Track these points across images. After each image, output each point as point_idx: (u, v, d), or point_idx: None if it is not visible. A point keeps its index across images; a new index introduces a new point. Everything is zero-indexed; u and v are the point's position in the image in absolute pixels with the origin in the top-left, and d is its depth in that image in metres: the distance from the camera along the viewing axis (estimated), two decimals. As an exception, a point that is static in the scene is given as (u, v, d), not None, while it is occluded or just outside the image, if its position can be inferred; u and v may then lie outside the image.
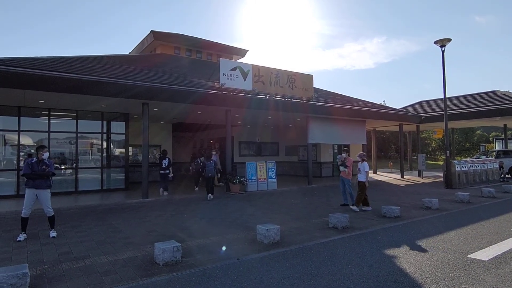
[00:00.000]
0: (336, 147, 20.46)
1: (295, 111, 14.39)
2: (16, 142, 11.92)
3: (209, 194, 11.25)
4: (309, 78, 15.10)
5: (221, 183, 14.57)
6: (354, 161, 10.29)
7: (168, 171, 12.19)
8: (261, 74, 13.48)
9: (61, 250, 5.60)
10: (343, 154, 10.10)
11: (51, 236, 6.42)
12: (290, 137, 21.18)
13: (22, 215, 6.33)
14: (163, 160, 12.22)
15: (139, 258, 5.15)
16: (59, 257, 5.24)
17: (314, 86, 15.27)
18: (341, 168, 9.85)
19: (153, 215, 8.62)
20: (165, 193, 12.16)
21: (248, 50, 22.08)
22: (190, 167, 13.91)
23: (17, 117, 11.67)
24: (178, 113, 14.42)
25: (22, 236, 6.25)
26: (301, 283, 4.13)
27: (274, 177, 13.96)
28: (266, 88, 13.52)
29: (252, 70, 13.20)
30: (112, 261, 5.03)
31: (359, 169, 9.32)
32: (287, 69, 14.44)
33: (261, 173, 13.58)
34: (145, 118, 11.32)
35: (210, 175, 11.44)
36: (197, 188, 13.63)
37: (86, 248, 5.69)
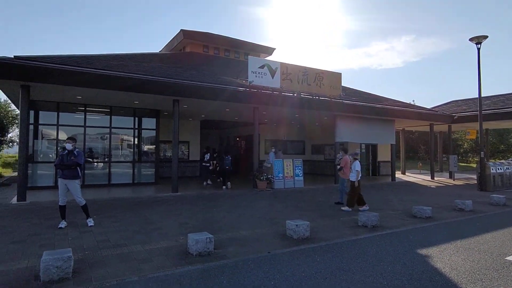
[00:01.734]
0: (363, 146, 20.13)
1: (323, 109, 14.29)
2: (52, 137, 12.61)
3: (227, 183, 12.99)
4: (337, 76, 14.94)
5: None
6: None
7: (209, 164, 14.15)
8: (289, 72, 13.49)
9: (99, 238, 5.88)
10: (339, 153, 10.02)
11: (89, 225, 6.72)
12: (317, 135, 21.04)
13: (59, 203, 6.69)
14: (206, 155, 14.28)
15: (173, 248, 5.33)
16: (98, 244, 5.51)
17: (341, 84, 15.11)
18: (338, 167, 9.83)
19: (184, 208, 8.86)
20: (209, 182, 14.09)
21: (275, 49, 22.09)
22: (214, 162, 14.44)
23: (56, 112, 12.31)
24: (206, 110, 14.68)
25: (63, 224, 6.61)
26: (333, 278, 4.15)
27: (301, 175, 13.94)
28: (294, 86, 13.51)
29: (280, 67, 13.23)
30: (148, 250, 5.24)
31: (351, 169, 9.17)
32: (315, 67, 14.36)
33: (288, 170, 13.60)
34: (175, 115, 11.62)
35: (227, 167, 13.21)
36: (219, 180, 14.87)
37: (123, 237, 5.95)
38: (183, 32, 18.99)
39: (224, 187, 13.06)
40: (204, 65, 16.23)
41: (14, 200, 9.42)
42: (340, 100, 14.68)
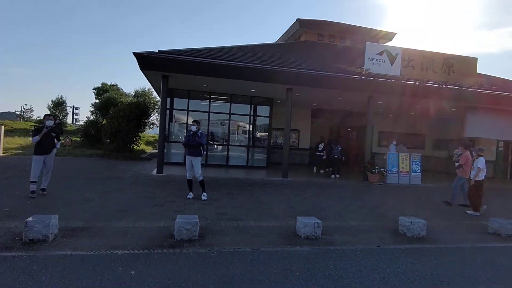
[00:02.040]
0: (501, 144, 17.10)
1: (451, 99, 12.67)
2: (182, 121, 14.53)
3: (336, 174, 13.21)
4: (471, 62, 12.99)
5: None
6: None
7: (322, 154, 14.25)
8: (411, 58, 12.33)
9: (219, 211, 6.63)
10: (458, 149, 8.66)
11: (202, 198, 7.49)
12: (440, 129, 18.75)
13: (187, 178, 7.72)
14: (320, 144, 14.47)
15: (282, 228, 5.65)
16: (217, 216, 6.23)
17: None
18: (456, 164, 8.66)
19: (292, 193, 9.17)
20: (321, 171, 14.34)
21: (396, 33, 20.35)
22: (324, 152, 14.27)
23: (186, 99, 14.11)
24: (318, 98, 14.67)
25: (190, 195, 7.64)
26: (452, 283, 3.80)
27: (418, 171, 12.76)
28: (417, 73, 12.32)
29: (401, 54, 12.21)
30: (260, 227, 5.68)
31: (472, 166, 7.92)
32: (443, 52, 12.76)
33: (404, 165, 12.60)
34: (288, 103, 11.97)
35: (336, 156, 13.32)
36: (328, 169, 14.44)
37: (238, 212, 6.57)
38: (299, 21, 19.16)
39: (332, 176, 13.02)
40: (318, 53, 16.14)
41: (154, 172, 11.29)
42: (474, 89, 12.75)
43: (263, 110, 15.18)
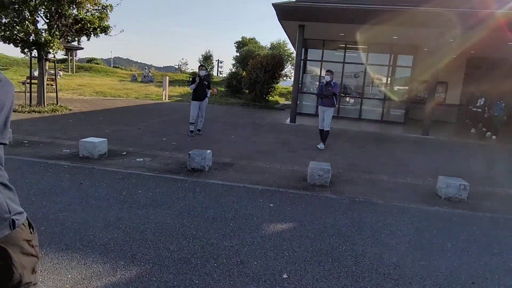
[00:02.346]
0: None
1: None
2: (314, 72, 14.42)
3: (488, 133, 11.52)
4: None
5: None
6: None
7: (481, 110, 12.42)
8: None
9: (350, 162, 6.62)
10: None
11: (318, 147, 7.56)
12: None
13: (319, 128, 7.86)
14: (479, 99, 12.85)
15: (418, 186, 5.31)
16: (348, 166, 6.25)
17: None
18: None
19: (434, 152, 8.34)
20: (473, 130, 12.50)
21: None
22: (485, 108, 12.06)
23: (320, 50, 13.83)
24: (479, 44, 12.16)
25: (321, 145, 7.82)
26: None
27: None
28: None
29: None
30: (393, 182, 5.47)
31: None
32: None
33: None
34: (438, 50, 10.40)
35: (496, 114, 11.41)
36: (484, 129, 12.25)
37: (370, 165, 6.43)
38: None
39: (489, 137, 11.19)
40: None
41: (287, 121, 11.86)
42: None
43: (405, 60, 13.65)
